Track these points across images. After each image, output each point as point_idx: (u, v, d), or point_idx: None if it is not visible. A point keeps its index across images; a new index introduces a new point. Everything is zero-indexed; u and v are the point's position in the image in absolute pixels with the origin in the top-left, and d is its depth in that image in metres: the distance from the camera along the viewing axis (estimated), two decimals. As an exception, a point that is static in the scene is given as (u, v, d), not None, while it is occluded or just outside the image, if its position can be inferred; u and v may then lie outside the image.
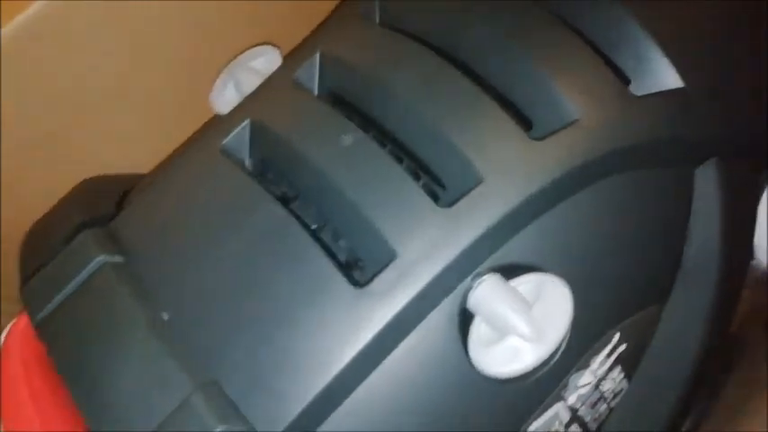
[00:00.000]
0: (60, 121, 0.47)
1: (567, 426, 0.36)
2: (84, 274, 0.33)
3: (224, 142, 0.37)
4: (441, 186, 0.33)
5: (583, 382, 0.35)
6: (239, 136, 0.37)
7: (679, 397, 0.40)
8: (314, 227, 0.34)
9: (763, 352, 0.48)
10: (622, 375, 0.38)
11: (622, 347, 0.36)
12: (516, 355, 0.31)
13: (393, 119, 0.35)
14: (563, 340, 0.31)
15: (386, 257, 0.31)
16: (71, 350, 0.32)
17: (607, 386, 0.37)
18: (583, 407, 0.36)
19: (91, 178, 0.45)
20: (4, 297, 0.45)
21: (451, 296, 0.31)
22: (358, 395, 0.30)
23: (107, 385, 0.30)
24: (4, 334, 0.47)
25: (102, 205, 0.39)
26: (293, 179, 0.35)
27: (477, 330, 0.31)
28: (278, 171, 0.36)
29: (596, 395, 0.37)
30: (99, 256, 0.34)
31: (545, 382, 0.33)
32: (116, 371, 0.30)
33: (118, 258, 0.34)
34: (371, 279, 0.31)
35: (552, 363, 0.32)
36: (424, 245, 0.31)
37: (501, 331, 0.31)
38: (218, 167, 0.36)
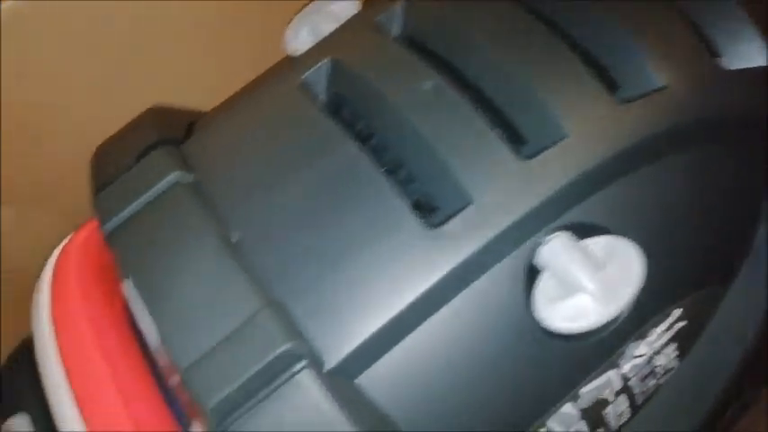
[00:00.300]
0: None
1: (617, 395, 0.35)
2: (157, 188, 0.34)
3: (302, 77, 0.37)
4: (520, 141, 0.33)
5: (639, 352, 0.35)
6: (317, 73, 0.37)
7: (726, 386, 0.40)
8: (387, 168, 0.34)
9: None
10: (676, 353, 0.37)
11: (681, 324, 0.36)
12: (581, 312, 0.31)
13: (476, 69, 0.35)
14: (629, 304, 0.31)
15: (460, 202, 0.31)
16: (142, 259, 0.32)
17: (660, 361, 0.37)
18: (634, 378, 0.36)
19: (158, 106, 0.45)
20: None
21: (521, 249, 0.31)
22: (417, 336, 0.30)
23: (176, 294, 0.30)
24: (57, 251, 0.48)
25: (172, 128, 0.39)
26: (369, 120, 0.35)
27: (544, 285, 0.31)
28: (354, 110, 0.36)
29: (648, 368, 0.36)
30: (172, 173, 0.34)
31: (604, 346, 0.33)
32: (186, 282, 0.31)
33: (190, 178, 0.35)
34: (444, 222, 0.31)
35: (615, 326, 0.32)
36: (501, 193, 0.31)
37: (568, 288, 0.31)
38: (294, 101, 0.36)
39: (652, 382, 0.38)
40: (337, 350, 0.30)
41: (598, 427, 0.37)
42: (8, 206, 0.51)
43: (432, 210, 0.32)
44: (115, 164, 0.37)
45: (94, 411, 0.37)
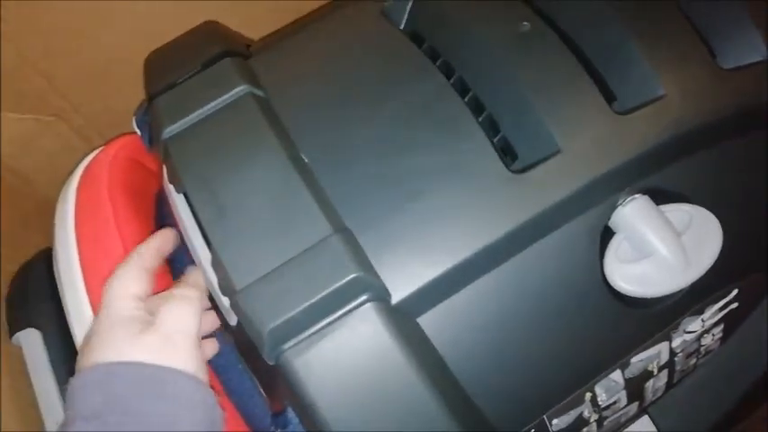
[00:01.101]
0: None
1: (661, 369, 0.35)
2: (226, 98, 0.31)
3: (386, 5, 0.35)
4: (611, 97, 0.31)
5: (692, 328, 0.34)
6: (400, 3, 0.35)
7: (760, 375, 0.40)
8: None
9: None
10: (720, 336, 0.37)
11: (733, 306, 0.36)
12: (651, 278, 0.30)
13: (570, 18, 0.34)
14: (700, 276, 0.31)
15: (548, 150, 0.30)
16: (202, 169, 0.30)
17: (706, 341, 0.36)
18: (680, 354, 0.35)
19: (213, 21, 0.43)
20: None
21: (600, 206, 0.30)
22: (486, 281, 0.29)
23: (237, 210, 0.29)
24: (83, 163, 0.46)
25: (236, 43, 0.37)
26: (452, 56, 0.33)
27: (618, 246, 0.30)
28: (435, 46, 0.34)
29: (694, 346, 0.36)
30: (243, 84, 0.32)
31: (665, 316, 0.32)
32: (250, 197, 0.29)
33: (260, 92, 0.33)
34: (528, 168, 0.30)
35: (679, 297, 0.32)
36: (591, 146, 0.29)
37: (641, 252, 0.30)
38: (378, 27, 0.34)
39: (692, 362, 0.37)
40: (405, 286, 0.28)
41: (634, 401, 0.37)
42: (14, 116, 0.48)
43: (512, 155, 0.32)
44: (176, 70, 0.34)
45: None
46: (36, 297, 0.39)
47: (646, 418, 0.39)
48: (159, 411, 0.27)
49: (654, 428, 0.39)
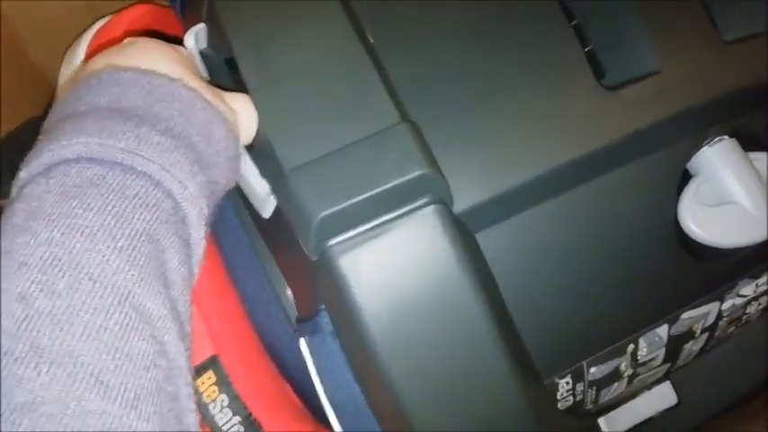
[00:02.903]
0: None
1: (703, 331, 0.33)
2: (286, -42, 0.28)
3: None
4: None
5: (744, 291, 0.32)
6: None
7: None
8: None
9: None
10: (763, 306, 0.36)
11: (786, 275, 0.34)
12: (728, 226, 0.28)
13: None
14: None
15: (643, 69, 0.27)
16: (253, 34, 0.26)
17: (751, 309, 0.34)
18: (726, 318, 0.33)
19: None
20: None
21: (686, 141, 0.28)
22: (555, 203, 0.26)
23: (292, 82, 0.25)
24: (96, 26, 0.41)
25: None
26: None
27: (697, 189, 0.28)
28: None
29: (739, 312, 0.34)
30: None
31: (727, 272, 0.30)
32: (307, 70, 0.25)
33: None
34: (621, 86, 0.27)
35: (746, 253, 0.30)
36: (693, 71, 0.27)
37: (721, 197, 0.28)
38: None
39: (732, 329, 0.36)
40: (471, 195, 0.25)
41: (668, 362, 0.35)
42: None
43: (598, 71, 0.28)
44: None
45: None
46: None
47: (666, 384, 0.38)
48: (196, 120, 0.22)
49: (674, 396, 0.37)
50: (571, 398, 0.32)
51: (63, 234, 0.18)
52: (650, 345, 0.32)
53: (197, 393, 0.28)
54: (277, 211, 0.27)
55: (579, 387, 0.31)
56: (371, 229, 0.24)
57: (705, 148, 0.28)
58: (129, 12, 0.39)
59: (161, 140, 0.21)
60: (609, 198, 0.28)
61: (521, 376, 0.26)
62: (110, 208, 0.19)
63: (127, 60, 0.23)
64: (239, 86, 0.27)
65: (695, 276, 0.30)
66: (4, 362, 0.16)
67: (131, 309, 0.18)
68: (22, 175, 0.20)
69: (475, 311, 0.25)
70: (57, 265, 0.18)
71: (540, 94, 0.26)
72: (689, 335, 0.33)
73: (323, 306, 0.26)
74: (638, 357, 0.32)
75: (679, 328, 0.32)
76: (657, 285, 0.30)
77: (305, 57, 0.26)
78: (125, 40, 0.26)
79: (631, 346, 0.31)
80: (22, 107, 0.42)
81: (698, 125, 0.27)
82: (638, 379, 0.35)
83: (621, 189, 0.28)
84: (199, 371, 0.28)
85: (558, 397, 0.31)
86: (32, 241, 0.18)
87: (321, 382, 0.28)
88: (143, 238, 0.19)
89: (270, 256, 0.31)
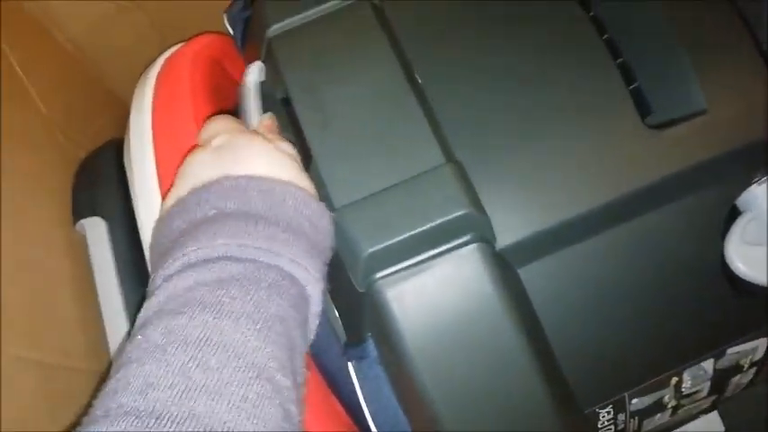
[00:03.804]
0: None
1: (751, 365, 0.33)
2: (342, 1, 0.29)
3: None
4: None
5: (795, 327, 0.32)
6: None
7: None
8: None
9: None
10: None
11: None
12: (776, 266, 0.28)
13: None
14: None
15: (691, 108, 0.27)
16: (308, 74, 0.28)
17: (803, 344, 0.34)
18: (775, 353, 0.33)
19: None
20: None
21: (734, 180, 0.28)
22: (598, 240, 0.27)
23: (344, 122, 0.27)
24: (167, 53, 0.43)
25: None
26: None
27: (744, 226, 0.28)
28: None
29: (790, 348, 0.34)
30: (359, -10, 0.30)
31: (775, 309, 0.30)
32: (358, 110, 0.27)
33: (378, 1, 0.30)
34: (668, 124, 0.27)
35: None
36: (740, 111, 0.27)
37: (769, 237, 0.28)
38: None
39: (782, 363, 0.35)
40: (513, 232, 0.26)
41: (714, 394, 0.35)
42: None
43: (645, 109, 0.29)
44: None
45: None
46: (103, 187, 0.37)
47: (714, 414, 0.37)
48: (286, 215, 0.25)
49: (721, 426, 0.37)
50: (612, 427, 0.32)
51: (215, 318, 0.22)
52: (695, 378, 0.32)
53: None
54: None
55: (621, 417, 0.32)
56: (416, 264, 0.26)
57: (754, 186, 0.28)
58: (196, 41, 0.41)
59: (285, 237, 0.25)
60: (654, 234, 0.28)
61: (559, 407, 0.27)
62: (249, 297, 0.23)
63: (235, 164, 0.26)
64: (293, 123, 0.29)
65: (741, 312, 0.30)
66: (168, 426, 0.19)
67: (267, 381, 0.22)
68: (166, 272, 0.24)
69: (514, 344, 0.26)
70: (210, 344, 0.21)
71: (583, 134, 0.27)
72: (736, 369, 0.33)
73: (369, 334, 0.28)
74: (683, 390, 0.32)
75: (725, 362, 0.32)
76: (702, 321, 0.30)
77: (356, 98, 0.28)
78: (211, 132, 0.29)
79: (675, 379, 0.31)
80: (102, 129, 0.45)
81: (746, 164, 0.27)
82: (682, 410, 0.34)
83: (667, 226, 0.28)
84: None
85: (599, 425, 0.31)
86: (189, 323, 0.22)
87: (367, 403, 0.29)
88: (276, 320, 0.23)
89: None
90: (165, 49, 0.44)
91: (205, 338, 0.21)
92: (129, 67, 0.49)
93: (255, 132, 0.29)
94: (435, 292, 0.25)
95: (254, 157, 0.27)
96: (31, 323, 0.30)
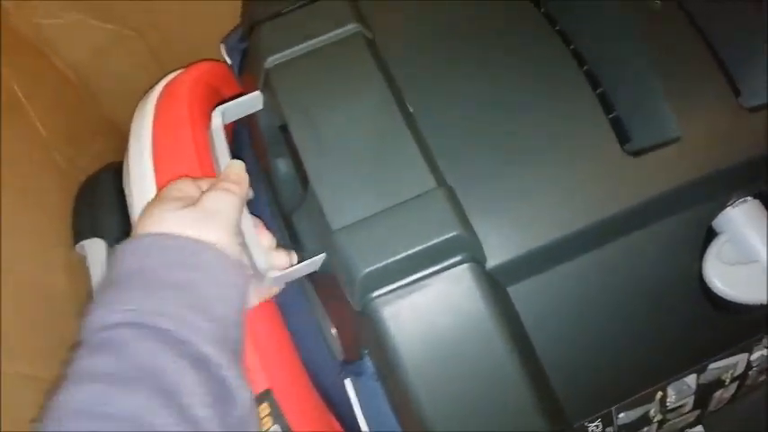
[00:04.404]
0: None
1: (733, 380, 0.34)
2: (335, 34, 0.30)
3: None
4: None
5: (773, 342, 0.34)
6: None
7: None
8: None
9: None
10: (794, 356, 0.36)
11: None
12: (751, 284, 0.29)
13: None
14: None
15: (666, 136, 0.29)
16: (304, 103, 0.29)
17: (781, 359, 0.36)
18: (755, 368, 0.34)
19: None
20: None
21: (709, 203, 0.29)
22: (582, 261, 0.28)
23: (339, 149, 0.28)
24: (166, 79, 0.45)
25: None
26: (575, 24, 0.32)
27: (720, 248, 0.29)
28: (555, 8, 0.33)
29: (769, 362, 0.35)
30: (354, 23, 0.31)
31: (752, 326, 0.31)
32: (353, 138, 0.28)
33: (369, 34, 0.32)
34: (644, 151, 0.28)
35: (773, 308, 0.31)
36: (714, 138, 0.28)
37: (744, 256, 0.29)
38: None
39: (761, 378, 0.37)
40: (502, 252, 0.27)
41: (698, 408, 0.36)
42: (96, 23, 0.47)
43: (623, 136, 0.30)
44: (280, 1, 0.34)
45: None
46: (103, 209, 0.39)
47: (699, 428, 0.38)
48: (181, 278, 0.26)
49: (706, 440, 0.38)
50: (601, 441, 0.33)
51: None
52: (679, 392, 0.33)
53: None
54: (325, 264, 0.29)
55: (609, 431, 0.33)
56: (411, 283, 0.27)
57: (729, 209, 0.30)
58: (194, 68, 0.42)
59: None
60: (636, 255, 0.29)
61: (550, 420, 0.28)
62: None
63: (147, 225, 0.28)
64: (291, 150, 0.31)
65: (721, 329, 0.31)
66: None
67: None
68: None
69: (505, 359, 0.27)
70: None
71: (567, 160, 0.28)
72: (718, 383, 0.34)
73: (366, 351, 0.29)
74: (668, 404, 0.33)
75: (707, 377, 0.33)
76: (684, 337, 0.31)
77: (351, 126, 0.29)
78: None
79: (660, 394, 0.33)
80: (98, 153, 0.46)
81: (721, 188, 0.29)
82: (668, 424, 0.35)
83: (649, 246, 0.29)
84: (256, 402, 0.31)
85: (588, 440, 0.32)
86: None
87: (365, 417, 0.30)
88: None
89: (316, 299, 0.33)
90: (162, 77, 0.46)
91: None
92: (126, 93, 0.50)
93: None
94: (429, 310, 0.27)
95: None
96: (30, 340, 0.30)
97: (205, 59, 0.45)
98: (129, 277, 0.26)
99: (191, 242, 0.27)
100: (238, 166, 0.31)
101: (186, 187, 0.30)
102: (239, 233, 0.29)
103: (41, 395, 0.31)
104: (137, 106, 0.43)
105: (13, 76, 0.39)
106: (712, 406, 0.36)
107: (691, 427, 0.38)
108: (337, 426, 0.35)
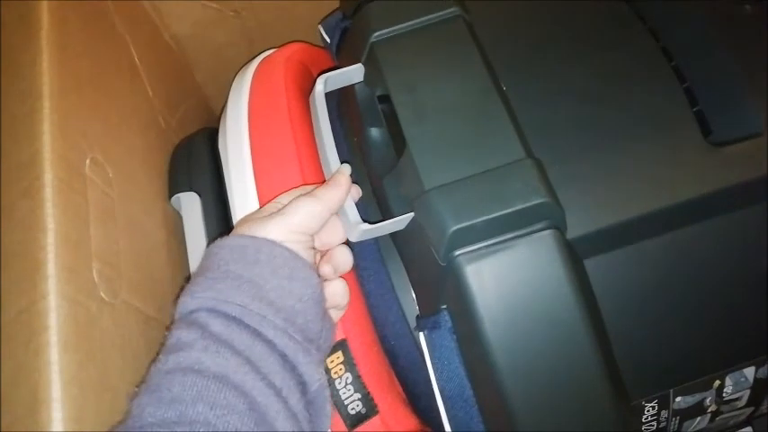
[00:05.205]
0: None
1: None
2: (438, 15, 0.33)
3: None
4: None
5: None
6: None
7: None
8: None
9: None
10: None
11: None
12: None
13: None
14: None
15: (748, 131, 0.30)
16: (406, 76, 0.31)
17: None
18: (812, 370, 0.35)
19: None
20: None
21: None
22: (658, 242, 0.30)
23: (436, 118, 0.30)
24: (261, 56, 0.48)
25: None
26: (665, 23, 0.34)
27: (791, 241, 0.31)
28: (647, 8, 0.34)
29: (827, 367, 0.36)
30: (455, 6, 0.33)
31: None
32: (449, 109, 0.30)
33: (469, 18, 0.34)
34: (726, 143, 0.30)
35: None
36: (794, 135, 0.30)
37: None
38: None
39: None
40: (584, 224, 0.29)
41: (751, 405, 0.36)
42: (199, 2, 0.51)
43: (706, 129, 0.32)
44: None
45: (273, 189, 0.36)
46: (198, 166, 0.41)
47: (748, 429, 0.39)
48: (243, 272, 0.30)
49: (755, 442, 0.39)
50: (655, 423, 0.34)
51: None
52: (736, 384, 0.34)
53: (327, 370, 0.33)
54: (412, 223, 0.31)
55: (664, 414, 0.34)
56: (495, 244, 0.29)
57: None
58: (288, 48, 0.46)
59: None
60: (710, 241, 0.31)
61: (615, 392, 0.29)
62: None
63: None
64: (390, 119, 0.33)
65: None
66: None
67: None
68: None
69: (579, 326, 0.28)
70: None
71: (652, 145, 0.30)
72: (774, 381, 0.35)
73: (444, 306, 0.31)
74: (724, 394, 0.34)
75: (765, 372, 0.34)
76: (747, 328, 0.32)
77: (448, 98, 0.31)
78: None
79: (717, 382, 0.34)
80: (184, 115, 0.49)
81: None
82: (720, 417, 0.36)
83: (722, 234, 0.31)
84: (330, 350, 0.33)
85: (643, 419, 0.33)
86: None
87: (435, 372, 0.32)
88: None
89: (395, 263, 0.35)
90: (251, 54, 0.49)
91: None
92: (217, 66, 0.55)
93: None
94: (511, 271, 0.28)
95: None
96: (137, 276, 0.33)
97: (295, 41, 0.49)
98: (205, 271, 0.31)
99: (252, 240, 0.31)
100: (341, 174, 0.33)
101: (285, 200, 0.34)
102: (309, 236, 0.32)
103: (143, 325, 0.34)
104: (234, 77, 0.47)
105: (132, 43, 0.42)
106: (765, 406, 0.37)
107: (739, 428, 0.39)
108: (398, 385, 0.37)
